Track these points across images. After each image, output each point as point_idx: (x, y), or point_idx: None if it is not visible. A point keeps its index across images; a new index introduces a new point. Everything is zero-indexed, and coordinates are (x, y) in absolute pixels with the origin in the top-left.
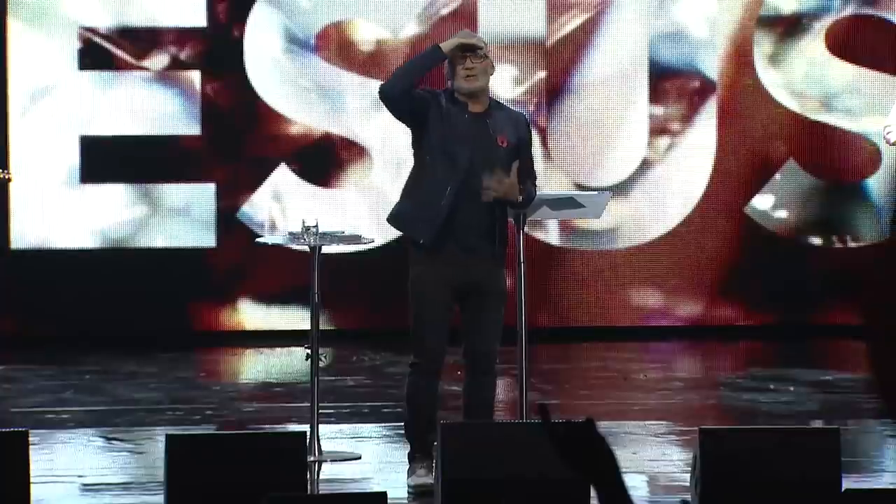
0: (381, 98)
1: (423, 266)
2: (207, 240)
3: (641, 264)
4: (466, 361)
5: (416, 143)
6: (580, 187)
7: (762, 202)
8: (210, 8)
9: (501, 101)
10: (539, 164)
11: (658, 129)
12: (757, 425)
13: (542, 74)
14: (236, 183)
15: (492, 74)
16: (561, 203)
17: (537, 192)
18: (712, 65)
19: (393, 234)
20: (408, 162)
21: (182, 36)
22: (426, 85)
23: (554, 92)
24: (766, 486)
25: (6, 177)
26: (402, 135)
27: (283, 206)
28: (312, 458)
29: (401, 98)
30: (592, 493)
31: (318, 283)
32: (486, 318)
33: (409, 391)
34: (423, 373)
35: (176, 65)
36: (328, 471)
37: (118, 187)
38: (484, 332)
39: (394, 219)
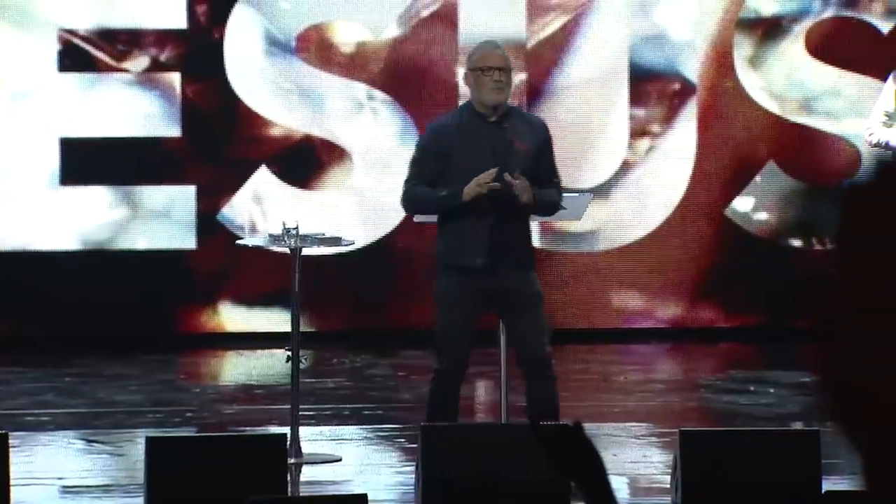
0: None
1: (449, 275)
2: (188, 242)
3: (622, 266)
4: (521, 369)
5: (440, 176)
6: None
7: (742, 204)
8: (190, 10)
9: (519, 108)
10: None
11: (639, 131)
12: (737, 427)
13: (522, 76)
14: (217, 185)
15: (513, 85)
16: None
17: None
18: (693, 67)
19: (373, 236)
20: (389, 163)
21: (162, 38)
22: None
23: (534, 94)
24: (747, 488)
25: None
26: (382, 137)
27: (263, 208)
28: (293, 461)
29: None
30: (573, 494)
31: (298, 286)
32: (527, 322)
33: (432, 397)
34: (445, 380)
35: (156, 67)
36: (308, 473)
37: (99, 189)
38: (529, 337)
39: (445, 256)
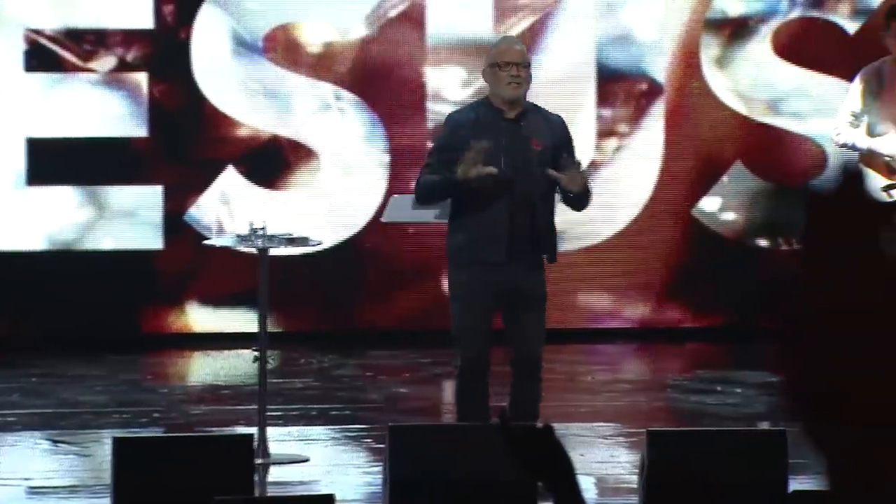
0: None
1: (463, 270)
2: (155, 242)
3: (589, 266)
4: (512, 367)
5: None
6: None
7: (709, 204)
8: (157, 10)
9: (538, 105)
10: None
11: (606, 131)
12: (704, 427)
13: None
14: (184, 185)
15: (531, 81)
16: None
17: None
18: (660, 67)
19: (341, 236)
20: (357, 164)
21: (129, 38)
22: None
23: None
24: (714, 488)
25: None
26: (350, 137)
27: (230, 208)
28: (260, 461)
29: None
30: (541, 494)
31: (266, 286)
32: (527, 323)
33: (457, 394)
34: (468, 376)
35: (123, 67)
36: (276, 473)
37: (65, 189)
38: (526, 337)
39: (459, 251)
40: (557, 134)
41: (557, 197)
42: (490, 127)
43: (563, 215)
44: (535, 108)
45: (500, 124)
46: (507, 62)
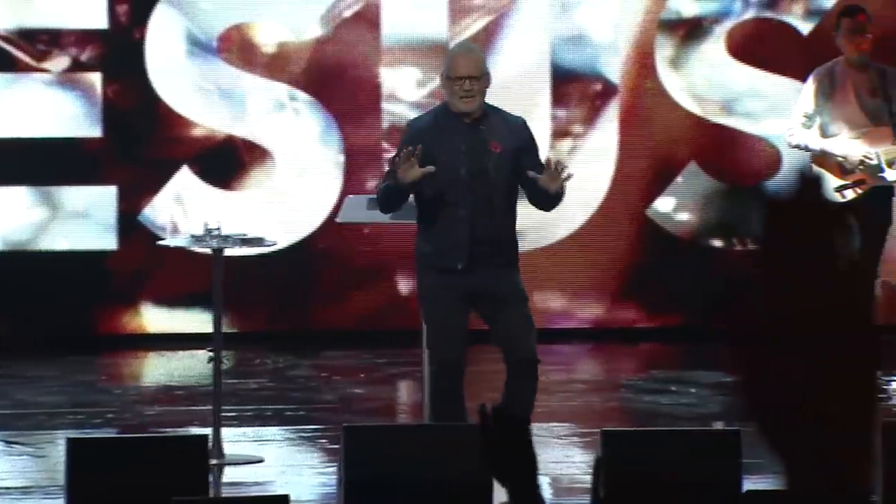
0: None
1: (430, 274)
2: (109, 243)
3: (544, 266)
4: (506, 367)
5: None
6: None
7: (664, 204)
8: (111, 10)
9: (499, 107)
10: None
11: (560, 131)
12: (658, 427)
13: None
14: (138, 185)
15: (488, 86)
16: None
17: None
18: (614, 68)
19: (296, 237)
20: (311, 164)
21: (83, 38)
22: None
23: None
24: (668, 488)
25: None
26: (304, 137)
27: (185, 208)
28: (214, 462)
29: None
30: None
31: (220, 286)
32: (511, 322)
33: (432, 396)
34: (444, 379)
35: (77, 67)
36: (230, 474)
37: (19, 190)
38: (515, 337)
39: (424, 257)
40: (518, 136)
41: (522, 199)
42: (449, 131)
43: (518, 216)
44: (496, 111)
45: (459, 128)
46: (458, 76)
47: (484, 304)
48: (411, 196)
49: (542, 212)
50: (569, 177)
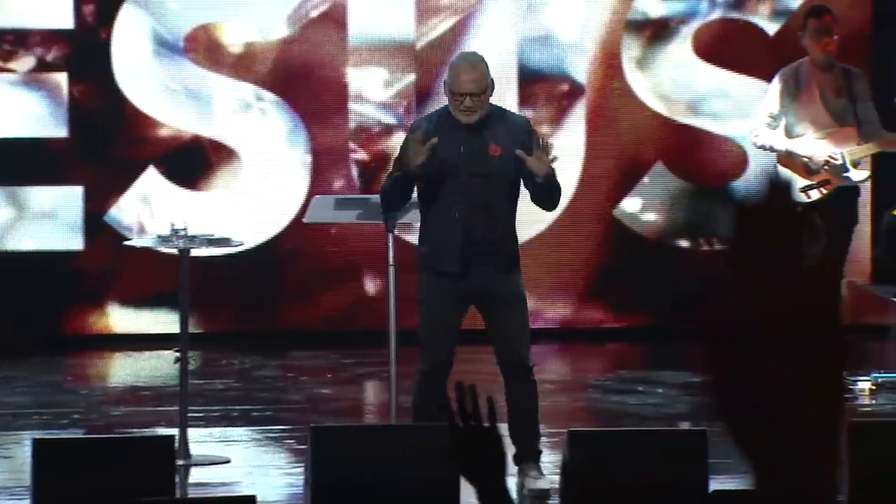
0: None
1: (428, 275)
2: (75, 243)
3: None
4: (500, 370)
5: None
6: None
7: (631, 205)
8: (77, 10)
9: (504, 109)
10: None
11: None
12: (625, 427)
13: (411, 77)
14: (104, 186)
15: (491, 95)
16: None
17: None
18: (581, 68)
19: (262, 237)
20: (278, 164)
21: (49, 38)
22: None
23: (423, 95)
24: (635, 488)
25: None
26: (271, 137)
27: (151, 208)
28: (181, 462)
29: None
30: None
31: (187, 287)
32: (505, 324)
33: (415, 395)
34: (429, 379)
35: (42, 67)
36: (197, 474)
37: None
38: (504, 338)
39: (421, 258)
40: (519, 136)
41: (524, 198)
42: (449, 134)
43: None
44: (499, 111)
45: (459, 131)
46: (460, 93)
47: (482, 303)
48: (411, 192)
49: (545, 211)
50: (555, 158)
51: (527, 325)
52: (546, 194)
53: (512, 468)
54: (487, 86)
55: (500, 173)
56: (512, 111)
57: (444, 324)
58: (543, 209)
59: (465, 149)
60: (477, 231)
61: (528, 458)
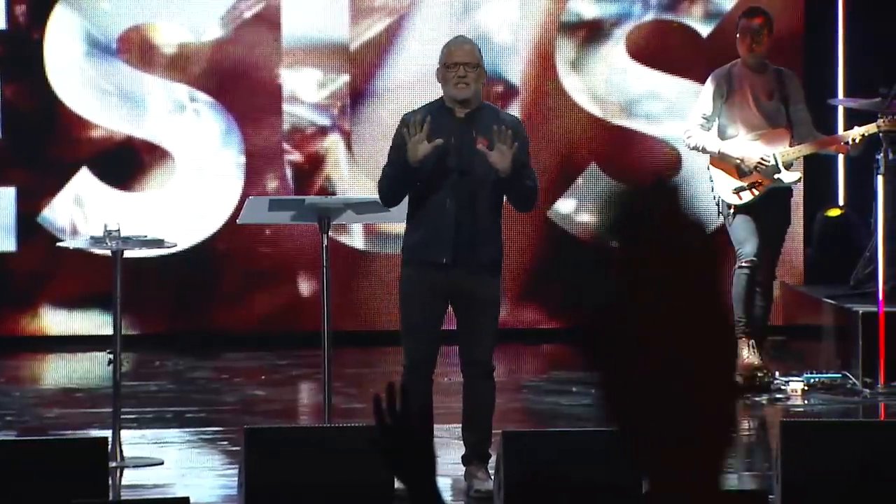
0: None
1: (411, 269)
2: (7, 244)
3: None
4: (462, 369)
5: None
6: None
7: (565, 206)
8: (9, 10)
9: (496, 106)
10: (343, 168)
11: None
12: (559, 428)
13: (345, 78)
14: (37, 187)
15: (483, 81)
16: (365, 207)
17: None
18: (515, 70)
19: (196, 238)
20: (212, 165)
21: None
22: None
23: (357, 96)
24: (569, 488)
25: None
26: (205, 138)
27: (84, 210)
28: (115, 464)
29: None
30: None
31: (120, 288)
32: (475, 325)
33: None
34: (414, 376)
35: None
36: (130, 476)
37: None
38: (475, 340)
39: (409, 249)
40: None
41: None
42: (441, 126)
43: None
44: (491, 109)
45: (451, 123)
46: (454, 63)
47: (459, 302)
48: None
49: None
50: (513, 145)
51: (496, 328)
52: (515, 192)
53: (461, 469)
54: (479, 62)
55: (488, 168)
56: (504, 111)
57: (428, 318)
58: (517, 209)
59: (456, 140)
60: (465, 223)
61: (477, 459)
